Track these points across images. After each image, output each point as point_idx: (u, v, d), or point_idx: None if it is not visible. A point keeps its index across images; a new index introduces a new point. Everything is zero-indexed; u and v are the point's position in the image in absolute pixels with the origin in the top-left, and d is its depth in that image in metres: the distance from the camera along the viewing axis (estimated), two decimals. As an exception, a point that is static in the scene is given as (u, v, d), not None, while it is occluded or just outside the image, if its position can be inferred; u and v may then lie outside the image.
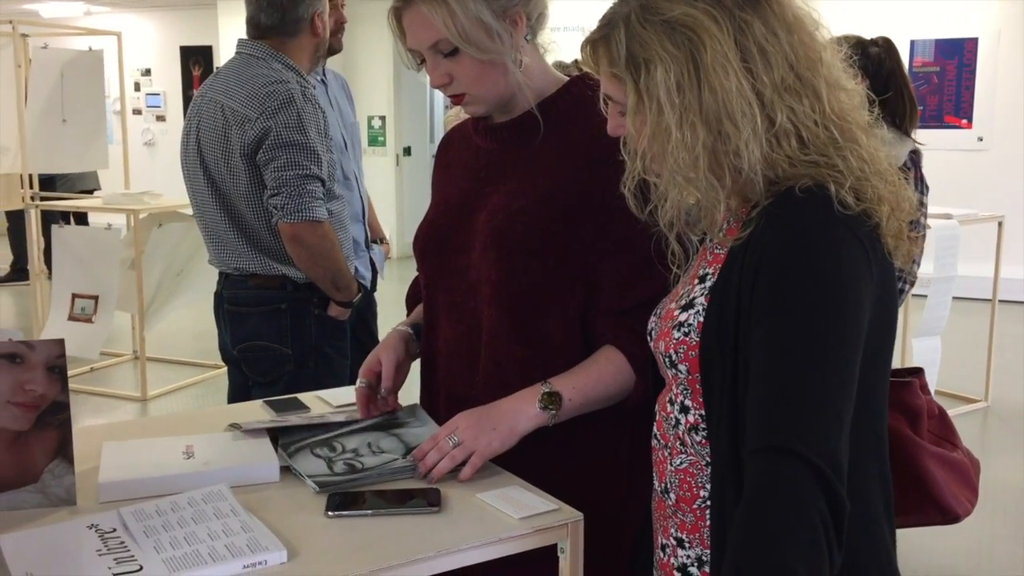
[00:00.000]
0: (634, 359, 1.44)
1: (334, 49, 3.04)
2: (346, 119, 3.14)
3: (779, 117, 1.13)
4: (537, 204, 1.49)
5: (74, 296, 5.19)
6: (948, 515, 1.31)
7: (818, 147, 1.15)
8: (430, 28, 1.45)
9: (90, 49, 5.79)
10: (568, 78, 1.58)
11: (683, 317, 1.23)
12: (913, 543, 3.29)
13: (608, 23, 1.20)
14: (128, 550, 1.17)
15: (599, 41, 1.21)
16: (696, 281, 1.25)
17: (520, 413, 1.43)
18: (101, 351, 5.89)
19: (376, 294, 3.16)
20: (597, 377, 1.46)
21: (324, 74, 3.08)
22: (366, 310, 3.08)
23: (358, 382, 1.63)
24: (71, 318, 5.16)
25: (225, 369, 2.84)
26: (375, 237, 3.38)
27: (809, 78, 1.15)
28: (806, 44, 1.17)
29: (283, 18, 2.57)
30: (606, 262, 1.48)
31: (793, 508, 1.00)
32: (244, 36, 2.66)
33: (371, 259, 3.11)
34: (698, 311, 1.21)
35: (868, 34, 3.13)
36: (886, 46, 2.92)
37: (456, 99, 1.53)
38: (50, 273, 5.49)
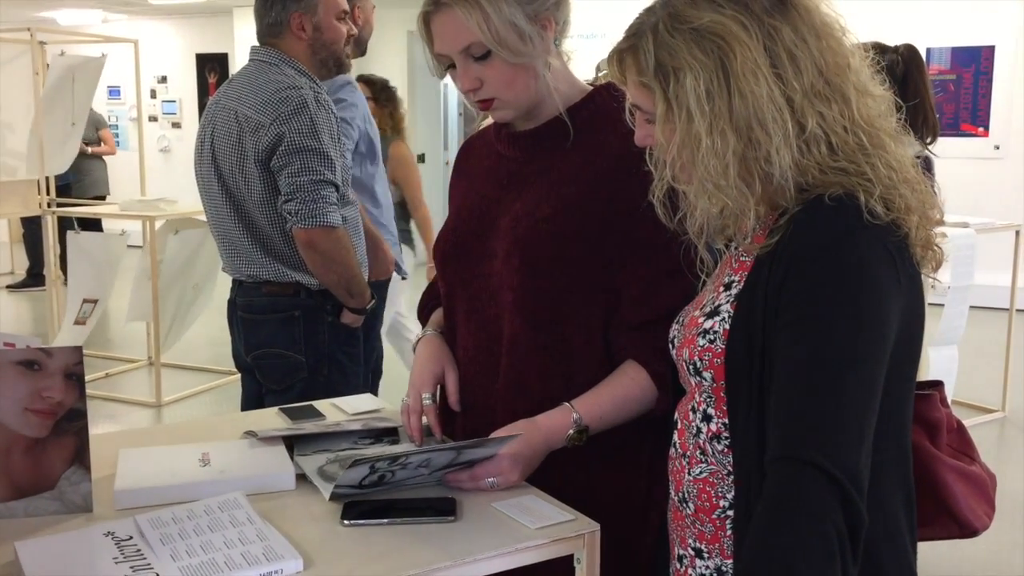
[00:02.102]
0: (657, 376, 1.44)
1: (363, 53, 3.10)
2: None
3: (809, 123, 1.13)
4: (561, 212, 1.48)
5: (84, 301, 5.24)
6: (966, 529, 1.30)
7: (847, 153, 1.14)
8: (463, 31, 1.44)
9: (103, 55, 5.83)
10: (592, 87, 1.58)
11: (708, 324, 1.22)
12: (929, 554, 3.26)
13: (635, 33, 1.20)
14: (144, 558, 1.17)
15: (627, 51, 1.20)
16: (721, 288, 1.25)
17: (549, 450, 1.44)
18: (116, 357, 5.93)
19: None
20: (623, 400, 1.46)
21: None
22: (372, 312, 3.10)
23: (424, 398, 1.56)
24: (76, 322, 5.22)
25: (239, 375, 2.85)
26: None
27: (838, 83, 1.15)
28: (834, 49, 1.16)
29: (261, 21, 2.60)
30: (628, 272, 1.47)
31: (808, 519, 0.99)
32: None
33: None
34: (724, 318, 1.21)
35: (886, 42, 3.12)
36: (907, 53, 2.91)
37: (485, 104, 1.51)
38: (66, 279, 5.53)
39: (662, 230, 1.32)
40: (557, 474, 1.44)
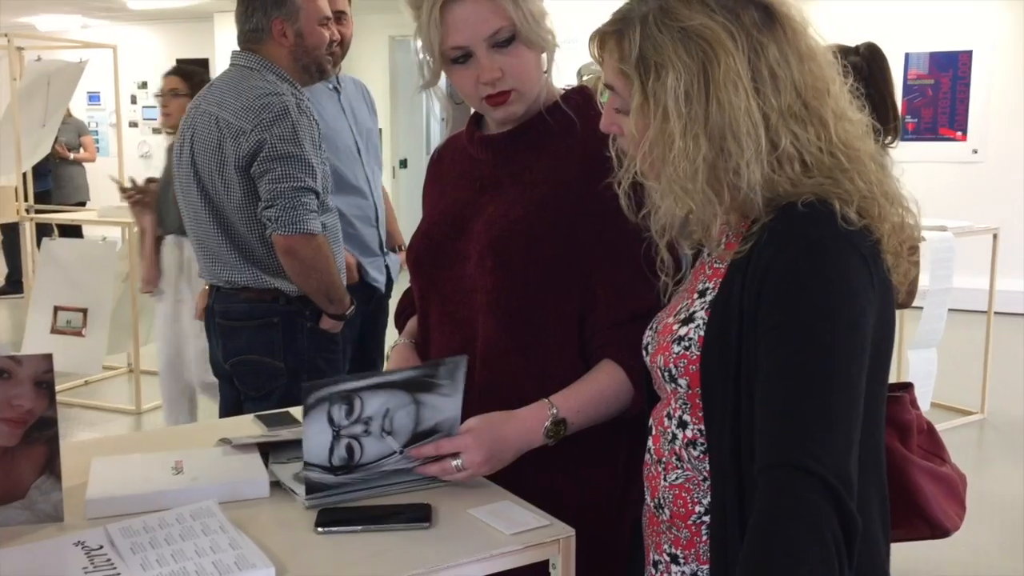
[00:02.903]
0: (633, 372, 1.44)
1: (334, 61, 3.04)
2: (362, 125, 3.13)
3: (782, 142, 1.13)
4: (533, 213, 1.49)
5: (57, 309, 5.13)
6: (937, 530, 1.30)
7: (823, 171, 1.15)
8: (496, 13, 1.43)
9: (82, 61, 5.81)
10: (564, 90, 1.58)
11: (683, 331, 1.22)
12: (908, 556, 3.28)
13: (623, 19, 1.19)
14: (114, 567, 1.15)
15: (611, 34, 1.20)
16: (695, 295, 1.25)
17: (526, 444, 1.42)
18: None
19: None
20: (600, 396, 1.45)
21: (338, 81, 3.09)
22: (374, 320, 3.07)
23: None
24: (54, 331, 5.11)
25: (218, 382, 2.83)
26: (394, 244, 3.38)
27: (816, 107, 1.16)
28: (815, 74, 1.17)
29: (243, 27, 2.58)
30: (602, 272, 1.47)
31: (805, 524, 1.00)
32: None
33: (386, 265, 3.11)
34: (698, 325, 1.21)
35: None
36: (867, 53, 2.89)
37: (502, 97, 1.48)
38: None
39: (635, 230, 1.33)
40: (531, 478, 1.43)
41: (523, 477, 1.42)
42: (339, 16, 3.04)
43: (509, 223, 1.50)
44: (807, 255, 1.10)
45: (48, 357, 1.28)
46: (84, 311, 5.10)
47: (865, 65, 2.83)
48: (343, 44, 3.07)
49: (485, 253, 1.50)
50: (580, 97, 1.55)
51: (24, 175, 5.74)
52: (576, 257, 1.48)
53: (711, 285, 1.23)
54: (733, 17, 1.15)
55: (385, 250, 3.18)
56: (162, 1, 9.26)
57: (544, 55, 1.51)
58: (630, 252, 1.43)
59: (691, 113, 1.13)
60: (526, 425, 1.42)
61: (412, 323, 1.71)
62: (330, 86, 3.06)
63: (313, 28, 2.61)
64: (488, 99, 1.49)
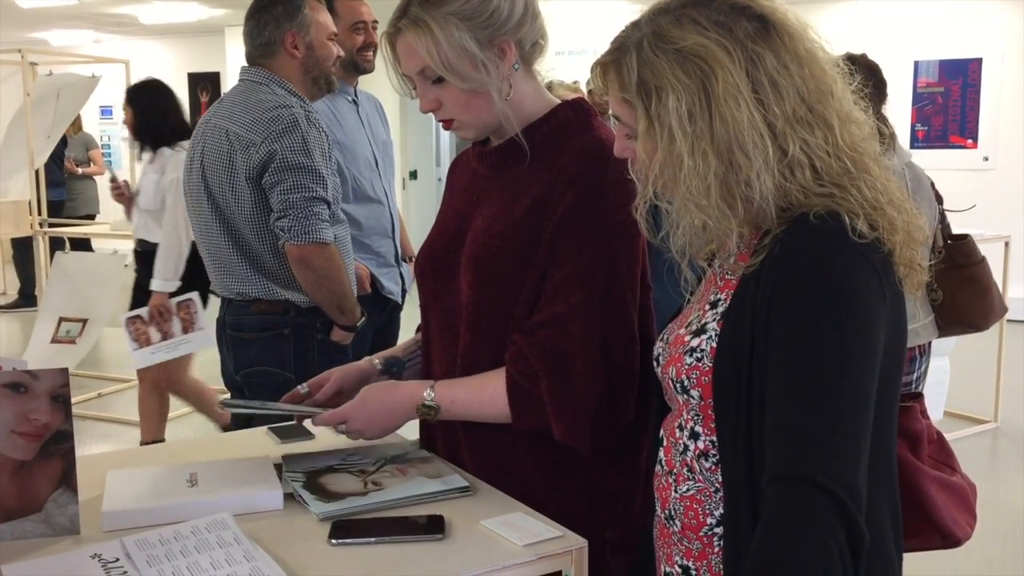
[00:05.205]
0: (512, 382, 1.45)
1: (364, 69, 3.12)
2: (378, 138, 3.18)
3: (792, 148, 1.14)
4: (512, 228, 1.49)
5: (61, 319, 5.16)
6: (949, 539, 1.30)
7: (832, 177, 1.15)
8: (415, 56, 1.45)
9: (94, 76, 5.85)
10: (558, 102, 1.57)
11: (695, 343, 1.23)
12: (920, 566, 3.26)
13: (620, 47, 1.20)
14: (131, 580, 1.16)
15: (610, 64, 1.21)
16: (707, 307, 1.25)
17: (404, 414, 1.53)
18: (108, 377, 5.90)
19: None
20: (477, 395, 1.49)
21: (356, 95, 3.14)
22: (386, 330, 3.09)
23: (301, 385, 1.69)
24: (54, 340, 5.13)
25: (229, 394, 2.84)
26: (406, 255, 3.40)
27: (821, 110, 1.16)
28: (817, 77, 1.17)
29: (254, 42, 2.62)
30: (548, 276, 1.47)
31: (810, 537, 1.00)
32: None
33: (401, 274, 3.15)
34: (710, 336, 1.21)
35: (871, 55, 3.13)
36: (859, 65, 2.90)
37: (446, 124, 1.53)
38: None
39: (587, 238, 1.38)
40: (536, 493, 1.45)
41: (528, 492, 1.44)
42: (374, 25, 3.13)
43: (489, 238, 1.50)
44: (818, 267, 1.11)
45: (64, 371, 1.29)
46: (84, 321, 5.13)
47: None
48: (375, 51, 3.14)
49: (466, 267, 1.52)
50: (572, 110, 1.54)
51: (37, 190, 5.79)
52: (544, 272, 1.47)
53: (722, 296, 1.23)
54: (726, 32, 1.15)
55: (402, 260, 3.21)
56: (174, 16, 9.33)
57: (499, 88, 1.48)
58: (571, 257, 1.43)
59: (696, 131, 1.14)
60: (402, 398, 1.52)
61: (405, 341, 1.77)
62: (349, 98, 3.10)
63: (323, 41, 2.66)
64: (439, 121, 1.54)
